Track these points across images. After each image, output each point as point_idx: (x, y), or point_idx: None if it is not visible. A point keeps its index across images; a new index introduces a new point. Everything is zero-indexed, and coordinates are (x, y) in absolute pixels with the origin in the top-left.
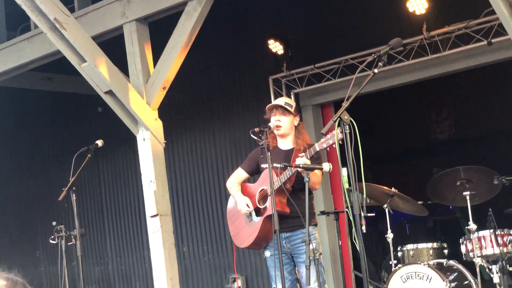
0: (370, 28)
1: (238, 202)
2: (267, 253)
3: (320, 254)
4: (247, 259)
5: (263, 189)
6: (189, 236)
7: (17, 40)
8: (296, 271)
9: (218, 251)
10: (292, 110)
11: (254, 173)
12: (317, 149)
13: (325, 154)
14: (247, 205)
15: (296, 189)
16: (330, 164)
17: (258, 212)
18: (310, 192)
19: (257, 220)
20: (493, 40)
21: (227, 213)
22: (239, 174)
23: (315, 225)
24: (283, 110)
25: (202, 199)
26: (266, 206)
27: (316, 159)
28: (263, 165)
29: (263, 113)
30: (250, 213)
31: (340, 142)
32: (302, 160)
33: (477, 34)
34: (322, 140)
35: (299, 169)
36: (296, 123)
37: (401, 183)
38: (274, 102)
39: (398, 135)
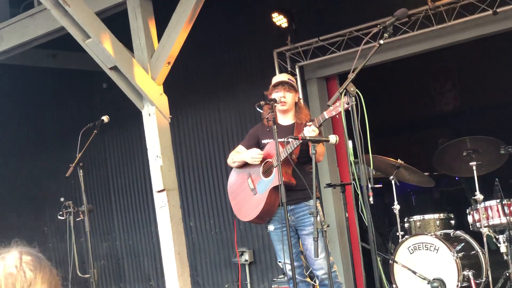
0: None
1: (248, 155)
2: (271, 227)
3: (328, 226)
4: (254, 232)
5: (267, 161)
6: (195, 210)
7: (20, 17)
8: (300, 244)
9: (225, 225)
10: (295, 86)
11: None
12: (326, 117)
13: (331, 127)
14: (258, 154)
15: (300, 161)
16: (337, 136)
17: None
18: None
19: (263, 192)
20: (498, 10)
21: (228, 188)
22: (240, 150)
23: (318, 198)
24: (289, 86)
25: (209, 174)
26: (271, 178)
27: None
28: (263, 141)
29: (268, 87)
30: (254, 184)
31: (347, 109)
32: (310, 128)
33: (482, 4)
34: (331, 108)
35: (306, 140)
36: (296, 99)
37: (407, 154)
38: (277, 78)
39: (403, 107)
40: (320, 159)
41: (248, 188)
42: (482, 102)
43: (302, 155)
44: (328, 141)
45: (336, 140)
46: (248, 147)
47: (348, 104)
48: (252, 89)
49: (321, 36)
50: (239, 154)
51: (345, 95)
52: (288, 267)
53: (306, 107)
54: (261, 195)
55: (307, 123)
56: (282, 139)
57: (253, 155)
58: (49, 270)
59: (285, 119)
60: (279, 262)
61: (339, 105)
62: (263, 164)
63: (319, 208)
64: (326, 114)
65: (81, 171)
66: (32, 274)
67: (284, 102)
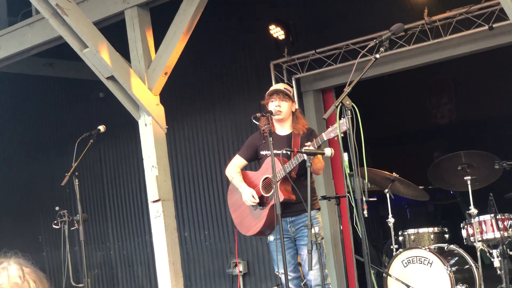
0: (371, 13)
1: (243, 194)
2: (271, 237)
3: (322, 238)
4: (249, 243)
5: (267, 177)
6: (190, 221)
7: (18, 26)
8: (298, 256)
9: (220, 236)
10: (291, 95)
11: (253, 159)
12: (325, 139)
13: (326, 140)
14: (253, 196)
15: (298, 175)
16: (332, 149)
17: (263, 200)
18: (312, 177)
19: (263, 209)
20: (494, 25)
21: (228, 200)
22: (238, 161)
23: (318, 209)
24: (283, 95)
25: (204, 184)
26: (271, 195)
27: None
28: (262, 152)
29: (265, 99)
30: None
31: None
32: (307, 148)
33: (478, 19)
34: (330, 129)
35: (301, 153)
36: (293, 108)
37: (402, 168)
38: (273, 87)
39: (399, 120)
40: (319, 173)
41: (244, 204)
42: (477, 116)
43: (301, 168)
44: (323, 154)
45: (332, 153)
46: (246, 157)
47: (346, 127)
48: (248, 101)
49: (318, 49)
50: (237, 181)
51: (340, 109)
52: (284, 277)
53: (303, 116)
54: (262, 211)
55: (306, 144)
56: (279, 152)
57: (248, 198)
58: (47, 282)
59: (283, 129)
60: (277, 272)
61: (337, 128)
62: (262, 179)
63: (319, 219)
64: (324, 136)
65: (76, 180)
66: (35, 286)
67: (279, 111)
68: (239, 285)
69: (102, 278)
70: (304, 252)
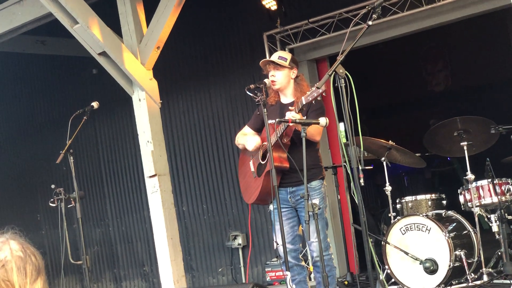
0: None
1: (248, 143)
2: (271, 207)
3: (319, 208)
4: (247, 216)
5: (264, 144)
6: (188, 195)
7: (8, 4)
8: (300, 227)
9: (218, 209)
10: (287, 63)
11: (261, 129)
12: (304, 102)
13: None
14: (257, 142)
15: (296, 142)
16: (327, 118)
17: (261, 167)
18: (315, 144)
19: (260, 176)
20: None
21: (238, 168)
22: (246, 131)
23: (322, 178)
24: (275, 64)
25: (201, 158)
26: (266, 162)
27: (317, 109)
28: (270, 121)
29: (259, 70)
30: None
31: (323, 94)
32: (291, 114)
33: None
34: (308, 93)
35: (292, 124)
36: (293, 75)
37: (398, 136)
38: (270, 58)
39: (394, 88)
40: (316, 139)
41: (250, 171)
42: (473, 82)
43: (298, 136)
44: (318, 123)
45: (326, 123)
46: (253, 126)
47: (321, 90)
48: (242, 73)
49: (311, 18)
50: (242, 137)
51: (334, 77)
52: (281, 248)
53: (307, 83)
54: (259, 179)
55: (290, 108)
56: (273, 121)
57: (254, 144)
58: (36, 258)
59: (286, 98)
60: (275, 242)
61: (315, 91)
62: (261, 147)
63: (323, 189)
64: (303, 100)
65: (71, 157)
66: (35, 259)
67: (273, 81)
68: (249, 256)
69: (101, 255)
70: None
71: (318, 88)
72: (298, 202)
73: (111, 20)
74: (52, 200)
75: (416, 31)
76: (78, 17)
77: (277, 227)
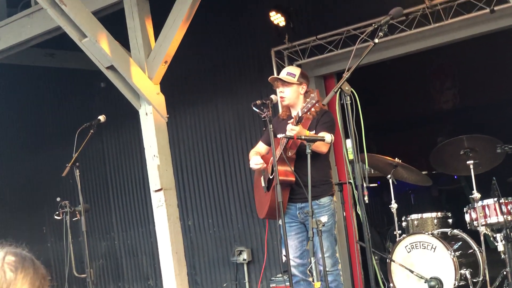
0: None
1: (251, 161)
2: (280, 221)
3: (324, 225)
4: (252, 231)
5: (271, 159)
6: (194, 209)
7: (17, 17)
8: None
9: (224, 224)
10: (295, 79)
11: None
12: (300, 115)
13: None
14: (255, 163)
15: (302, 156)
16: (332, 134)
17: (270, 182)
18: (326, 160)
19: (269, 190)
20: (495, 8)
21: (254, 184)
22: (259, 146)
23: (332, 195)
24: (283, 81)
25: (207, 173)
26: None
27: (325, 122)
28: (278, 135)
29: (266, 86)
30: (265, 182)
31: (320, 104)
32: (289, 127)
33: (479, 2)
34: (303, 105)
35: (301, 139)
36: (302, 91)
37: (406, 153)
38: (280, 74)
39: (403, 105)
40: (323, 150)
41: (261, 186)
42: (481, 100)
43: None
44: (323, 140)
45: (332, 140)
46: (266, 142)
47: (315, 101)
48: (250, 88)
49: (319, 35)
50: (251, 155)
51: (340, 94)
52: (291, 262)
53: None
54: (268, 193)
55: (288, 122)
56: (280, 136)
57: (255, 162)
58: (33, 271)
59: (295, 113)
60: (283, 255)
61: (309, 102)
62: (270, 162)
63: (332, 206)
64: (300, 112)
65: (77, 170)
66: (12, 275)
67: (282, 98)
68: (262, 271)
69: (107, 268)
70: (314, 240)
71: (312, 99)
72: (306, 218)
73: (120, 34)
74: (57, 213)
75: (424, 49)
76: (86, 31)
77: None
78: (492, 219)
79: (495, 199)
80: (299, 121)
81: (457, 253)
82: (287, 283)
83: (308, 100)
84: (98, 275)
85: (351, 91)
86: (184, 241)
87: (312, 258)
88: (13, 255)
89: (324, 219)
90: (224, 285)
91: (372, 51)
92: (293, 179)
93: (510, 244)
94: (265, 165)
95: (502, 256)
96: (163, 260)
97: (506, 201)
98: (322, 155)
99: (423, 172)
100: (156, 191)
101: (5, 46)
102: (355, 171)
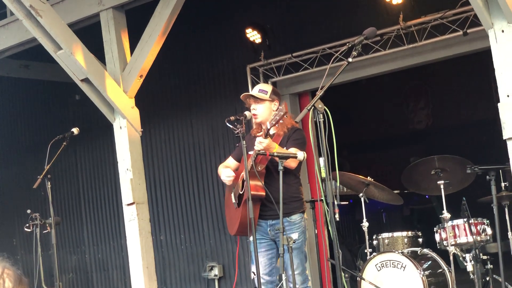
0: (348, 18)
1: (222, 174)
2: (251, 237)
3: (294, 242)
4: (224, 247)
5: (242, 175)
6: (166, 224)
7: None
8: (278, 260)
9: (196, 239)
10: (267, 96)
11: None
12: (268, 127)
13: None
14: (227, 176)
15: (272, 172)
16: (304, 152)
17: (240, 197)
18: (296, 177)
19: (239, 206)
20: (468, 31)
21: (225, 200)
22: (229, 161)
23: (303, 212)
24: (255, 98)
25: (180, 188)
26: (244, 192)
27: (296, 139)
28: (249, 152)
29: (241, 102)
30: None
31: (288, 116)
32: (258, 141)
33: (453, 25)
34: (271, 117)
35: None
36: (274, 107)
37: (380, 172)
38: (252, 91)
39: (376, 124)
40: (292, 165)
41: (232, 202)
42: (454, 120)
43: (274, 166)
44: (295, 157)
45: (304, 157)
46: (237, 158)
47: (283, 113)
48: (225, 104)
49: (295, 53)
50: (220, 169)
51: (313, 112)
52: (261, 280)
53: (289, 115)
54: (238, 210)
55: (257, 134)
56: (251, 152)
57: (226, 175)
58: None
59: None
60: (252, 272)
61: (277, 114)
62: (240, 177)
63: (303, 223)
64: (268, 124)
65: (49, 183)
66: (11, 285)
67: (254, 115)
68: None
69: (77, 282)
70: (285, 257)
71: (281, 111)
72: (277, 235)
73: (95, 47)
74: (27, 225)
75: (398, 69)
76: (62, 43)
77: (254, 257)
78: (462, 239)
79: (465, 219)
80: (267, 133)
81: (427, 272)
82: None
83: (276, 112)
84: None
85: (324, 109)
86: (155, 256)
87: (282, 275)
88: (12, 270)
89: (294, 236)
90: None
91: (346, 70)
92: (263, 193)
93: (479, 265)
94: (230, 179)
95: (471, 276)
96: (133, 274)
97: (476, 221)
98: (292, 171)
99: (395, 191)
100: (128, 205)
101: None
102: (327, 189)
